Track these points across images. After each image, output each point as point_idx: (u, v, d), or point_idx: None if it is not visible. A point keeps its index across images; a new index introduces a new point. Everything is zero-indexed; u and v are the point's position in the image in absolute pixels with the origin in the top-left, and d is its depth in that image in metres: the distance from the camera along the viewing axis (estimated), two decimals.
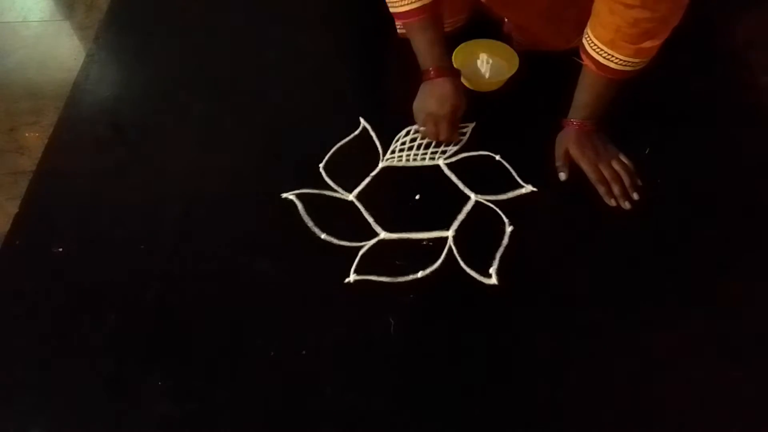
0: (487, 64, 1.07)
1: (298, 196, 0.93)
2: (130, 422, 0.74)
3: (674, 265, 0.84)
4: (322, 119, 1.05)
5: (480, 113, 1.02)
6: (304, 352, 0.78)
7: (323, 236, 0.88)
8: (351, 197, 0.93)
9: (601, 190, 0.90)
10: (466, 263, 0.85)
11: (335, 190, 0.94)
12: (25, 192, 0.97)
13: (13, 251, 0.89)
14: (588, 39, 0.85)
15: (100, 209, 0.94)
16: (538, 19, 1.01)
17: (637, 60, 0.82)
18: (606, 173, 0.90)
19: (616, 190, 0.89)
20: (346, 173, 0.96)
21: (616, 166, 0.91)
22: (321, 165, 0.97)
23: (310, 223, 0.90)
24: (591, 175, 0.91)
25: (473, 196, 0.92)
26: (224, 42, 1.19)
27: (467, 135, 1.00)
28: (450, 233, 0.88)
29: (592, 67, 0.86)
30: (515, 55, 1.05)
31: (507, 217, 0.89)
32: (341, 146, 0.99)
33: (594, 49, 0.84)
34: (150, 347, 0.80)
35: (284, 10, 1.25)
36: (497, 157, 0.97)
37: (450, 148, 0.98)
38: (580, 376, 0.76)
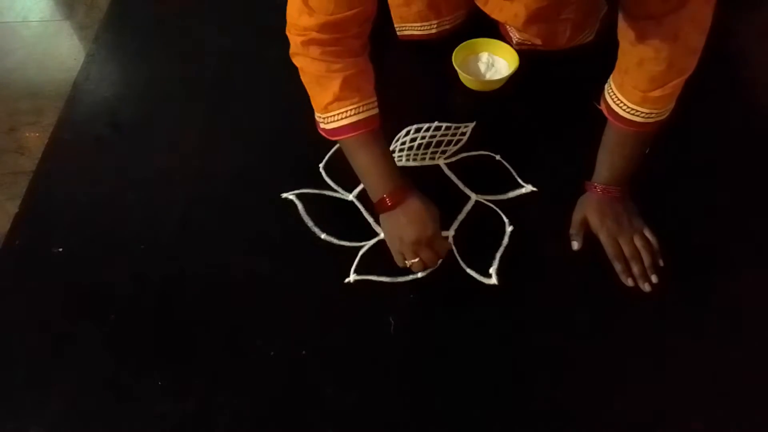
0: (486, 63, 1.07)
1: (298, 196, 0.93)
2: (129, 422, 0.74)
3: (674, 264, 0.83)
4: None
5: (480, 113, 1.02)
6: (304, 352, 0.78)
7: (323, 236, 0.88)
8: (351, 197, 0.93)
9: (618, 267, 0.82)
10: (466, 263, 0.85)
11: (335, 190, 0.94)
12: (25, 192, 0.97)
13: (13, 251, 0.89)
14: (608, 82, 0.83)
15: (100, 209, 0.94)
16: (535, 22, 1.01)
17: (644, 110, 0.78)
18: (626, 249, 0.82)
19: (635, 269, 0.81)
20: (346, 173, 0.95)
21: (638, 242, 0.83)
22: (321, 165, 0.97)
23: (310, 223, 0.90)
24: (609, 249, 0.83)
25: (473, 196, 0.92)
26: (224, 42, 1.19)
27: (467, 135, 1.00)
28: (450, 233, 0.88)
29: (605, 111, 0.84)
30: (515, 54, 1.05)
31: (507, 217, 0.89)
32: None
33: (608, 92, 0.82)
34: (150, 347, 0.80)
35: (285, 10, 1.25)
36: (497, 157, 0.97)
37: (450, 148, 0.98)
38: (580, 376, 0.76)
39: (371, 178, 0.82)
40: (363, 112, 0.79)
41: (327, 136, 0.84)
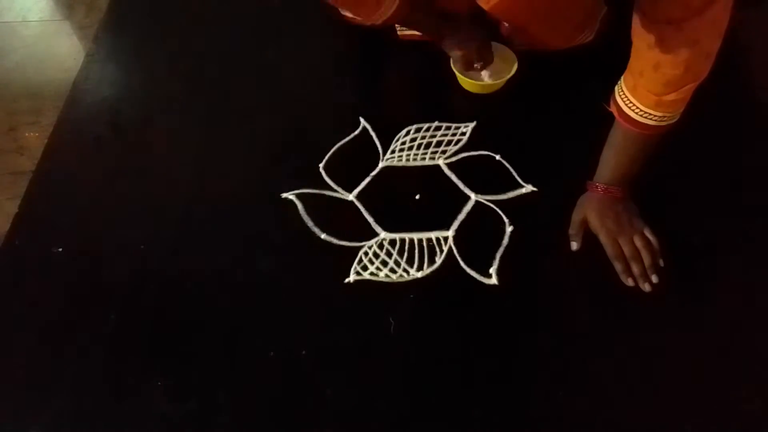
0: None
1: (298, 196, 0.93)
2: (130, 422, 0.74)
3: (674, 264, 0.83)
4: (322, 119, 1.05)
5: (480, 113, 1.02)
6: (304, 352, 0.78)
7: (323, 236, 0.88)
8: (351, 197, 0.93)
9: (618, 267, 0.82)
10: (466, 263, 0.85)
11: (335, 190, 0.94)
12: (25, 192, 0.97)
13: (13, 251, 0.89)
14: (619, 83, 0.82)
15: (100, 209, 0.94)
16: (537, 22, 1.01)
17: (658, 113, 0.78)
18: (625, 249, 0.82)
19: (635, 270, 0.81)
20: (346, 173, 0.96)
21: (638, 242, 0.82)
22: (321, 165, 0.97)
23: (310, 223, 0.90)
24: (609, 249, 0.83)
25: (473, 196, 0.92)
26: (224, 42, 1.19)
27: (467, 135, 1.00)
28: (450, 233, 0.88)
29: (615, 113, 0.83)
30: (514, 56, 1.05)
31: (507, 217, 0.89)
32: (341, 146, 0.99)
33: (620, 95, 0.82)
34: (150, 347, 0.80)
35: (284, 10, 1.25)
36: (497, 157, 0.97)
37: (450, 148, 0.98)
38: (580, 376, 0.76)
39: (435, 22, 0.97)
40: None
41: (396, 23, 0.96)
